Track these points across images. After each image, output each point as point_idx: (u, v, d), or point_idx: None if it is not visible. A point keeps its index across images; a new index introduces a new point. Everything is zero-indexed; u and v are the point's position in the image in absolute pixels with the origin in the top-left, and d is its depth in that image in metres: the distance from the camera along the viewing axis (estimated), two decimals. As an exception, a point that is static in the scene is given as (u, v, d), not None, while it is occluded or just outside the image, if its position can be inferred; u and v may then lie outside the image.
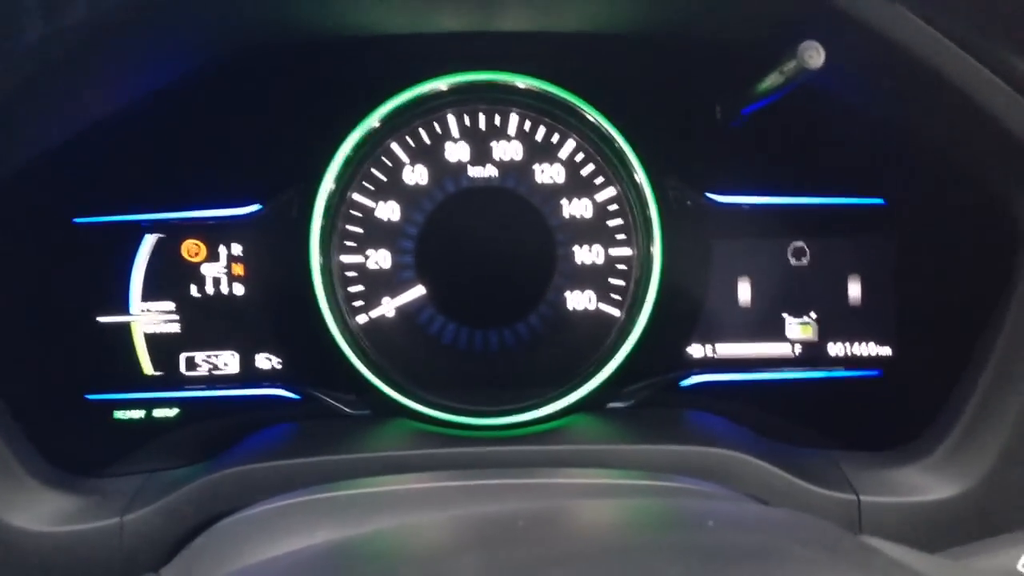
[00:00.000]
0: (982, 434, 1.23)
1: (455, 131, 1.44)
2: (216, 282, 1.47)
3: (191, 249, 1.46)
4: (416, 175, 1.44)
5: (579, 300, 1.47)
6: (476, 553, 0.61)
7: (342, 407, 1.48)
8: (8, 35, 0.74)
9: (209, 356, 1.48)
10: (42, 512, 1.19)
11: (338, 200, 1.43)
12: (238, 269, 1.47)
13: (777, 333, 1.50)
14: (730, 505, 0.84)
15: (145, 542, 1.20)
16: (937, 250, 1.41)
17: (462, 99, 1.44)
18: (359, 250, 1.45)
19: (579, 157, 1.45)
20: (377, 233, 1.45)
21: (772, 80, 1.14)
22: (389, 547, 0.67)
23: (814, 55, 1.01)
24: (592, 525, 0.65)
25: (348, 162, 1.42)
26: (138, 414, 1.48)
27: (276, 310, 1.47)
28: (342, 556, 0.68)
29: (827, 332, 1.49)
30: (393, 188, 1.44)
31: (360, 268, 1.45)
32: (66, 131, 1.23)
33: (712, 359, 1.50)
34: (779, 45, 1.16)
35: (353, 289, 1.45)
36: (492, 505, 0.87)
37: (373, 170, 1.44)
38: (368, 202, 1.44)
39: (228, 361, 1.48)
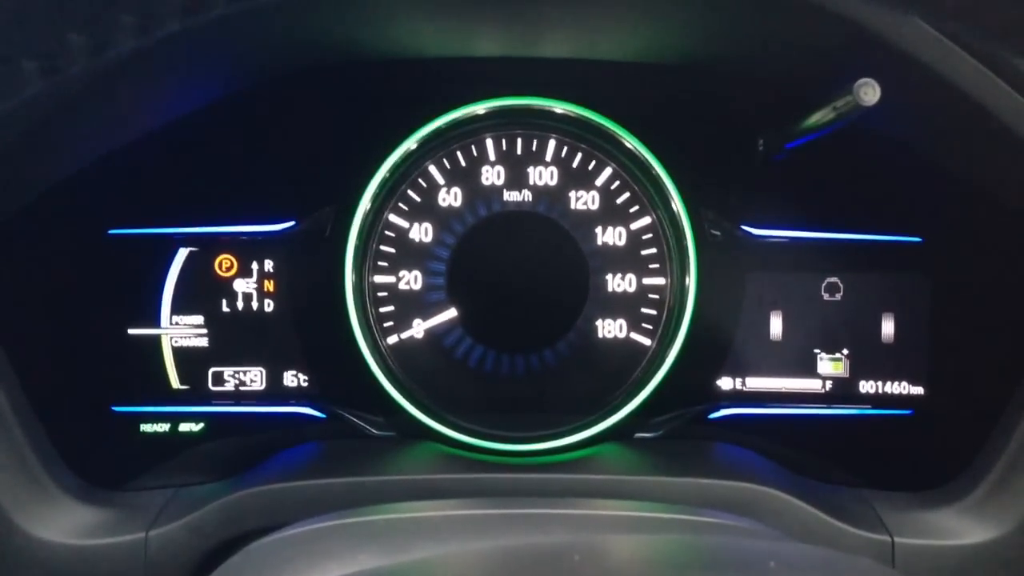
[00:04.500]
0: (1019, 478, 1.21)
1: (492, 155, 1.44)
2: (247, 298, 1.46)
3: (223, 264, 1.45)
4: (451, 197, 1.44)
5: (610, 328, 1.46)
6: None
7: (368, 428, 1.47)
8: (55, 64, 0.73)
9: (236, 372, 1.47)
10: (68, 525, 1.19)
11: (373, 220, 1.43)
12: (269, 285, 1.46)
13: (808, 368, 1.49)
14: (791, 546, 0.83)
15: (170, 558, 1.19)
16: (973, 289, 1.40)
17: (500, 123, 1.44)
18: (391, 270, 1.45)
19: (615, 185, 1.45)
20: (410, 254, 1.44)
21: (822, 115, 1.14)
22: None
23: (870, 92, 1.01)
24: (650, 561, 0.64)
25: (384, 183, 1.42)
26: (164, 427, 1.47)
27: (305, 328, 1.47)
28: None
29: (859, 369, 1.48)
30: (428, 210, 1.44)
31: (391, 288, 1.45)
32: (106, 146, 1.23)
33: (742, 392, 1.49)
34: (823, 79, 1.16)
35: (384, 309, 1.45)
36: (537, 536, 0.86)
37: (409, 191, 1.44)
38: (402, 223, 1.44)
39: (255, 377, 1.48)
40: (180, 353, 1.46)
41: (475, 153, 1.44)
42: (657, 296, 1.45)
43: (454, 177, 1.44)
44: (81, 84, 1.00)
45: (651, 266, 1.45)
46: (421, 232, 1.45)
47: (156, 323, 1.45)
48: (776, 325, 1.48)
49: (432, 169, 1.44)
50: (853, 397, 1.48)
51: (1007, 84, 1.04)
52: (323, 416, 1.48)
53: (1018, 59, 1.00)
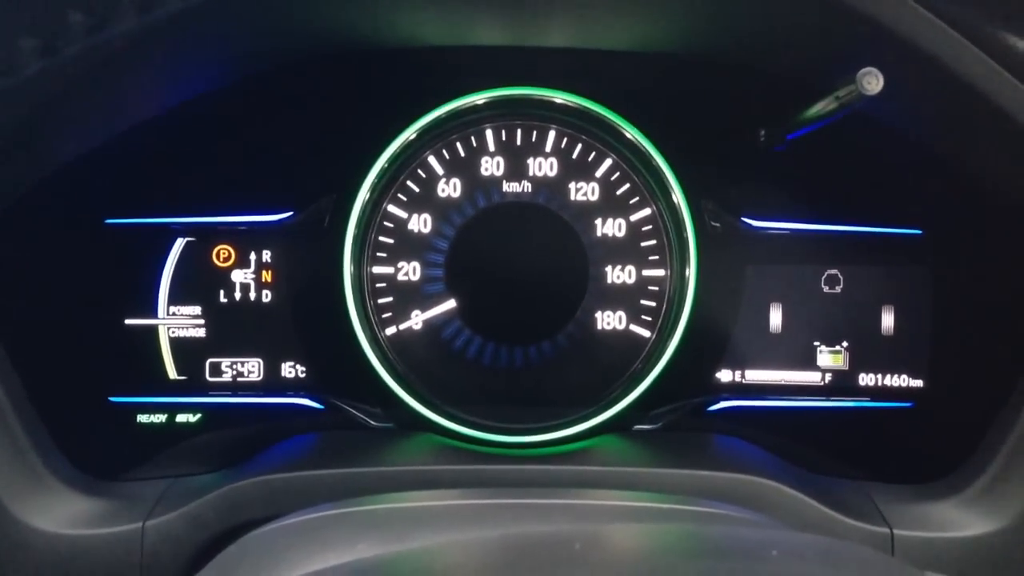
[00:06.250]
0: (1019, 471, 1.21)
1: (492, 145, 1.44)
2: (244, 288, 1.46)
3: (221, 254, 1.45)
4: (450, 188, 1.44)
5: (609, 320, 1.46)
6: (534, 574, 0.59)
7: (366, 419, 1.46)
8: (53, 43, 0.73)
9: (234, 363, 1.47)
10: (65, 515, 1.18)
11: (371, 210, 1.42)
12: (267, 276, 1.46)
13: (808, 361, 1.48)
14: (793, 535, 0.82)
15: (167, 548, 1.19)
16: (973, 282, 1.40)
17: (500, 114, 1.43)
18: (390, 261, 1.44)
19: (615, 176, 1.44)
20: (409, 245, 1.44)
21: (824, 105, 1.13)
22: (441, 565, 0.66)
23: (873, 81, 1.00)
24: (651, 549, 0.64)
25: (383, 173, 1.41)
26: (161, 418, 1.47)
27: (303, 318, 1.46)
28: (391, 572, 0.66)
29: (858, 362, 1.48)
30: (427, 200, 1.44)
31: (390, 279, 1.44)
32: (104, 134, 1.23)
33: (741, 384, 1.49)
34: (824, 70, 1.16)
35: (382, 300, 1.44)
36: (538, 525, 0.85)
37: (408, 182, 1.43)
38: (401, 213, 1.43)
39: (253, 368, 1.47)
40: (177, 344, 1.46)
41: (475, 144, 1.44)
42: (657, 288, 1.45)
43: (453, 168, 1.44)
44: (79, 69, 0.99)
45: (651, 258, 1.45)
46: (420, 223, 1.44)
47: (153, 313, 1.45)
48: (776, 317, 1.48)
49: (431, 160, 1.43)
50: (853, 390, 1.48)
51: (1008, 72, 1.03)
52: (321, 407, 1.48)
53: (1019, 43, 0.99)
